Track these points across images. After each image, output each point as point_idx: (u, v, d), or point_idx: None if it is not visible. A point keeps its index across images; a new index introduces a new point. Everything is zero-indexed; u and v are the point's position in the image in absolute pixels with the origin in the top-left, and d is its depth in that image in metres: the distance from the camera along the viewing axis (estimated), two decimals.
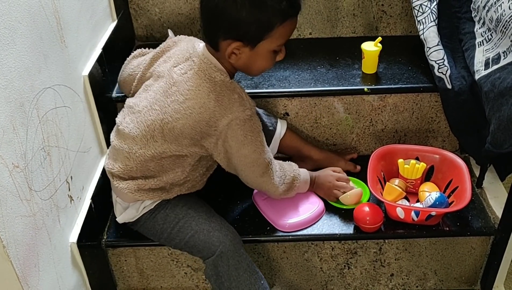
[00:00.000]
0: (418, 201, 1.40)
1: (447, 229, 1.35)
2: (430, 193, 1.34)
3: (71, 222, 1.24)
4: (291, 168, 1.35)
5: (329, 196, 1.40)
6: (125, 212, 1.31)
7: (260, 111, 1.45)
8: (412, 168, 1.39)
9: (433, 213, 1.29)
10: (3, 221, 0.92)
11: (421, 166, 1.39)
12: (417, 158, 1.42)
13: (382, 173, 1.42)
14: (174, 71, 1.21)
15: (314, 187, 1.41)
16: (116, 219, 1.33)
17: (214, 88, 1.17)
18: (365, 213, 1.32)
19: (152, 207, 1.29)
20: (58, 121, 1.15)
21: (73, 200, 1.23)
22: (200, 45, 1.24)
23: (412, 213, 1.30)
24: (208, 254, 1.24)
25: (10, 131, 0.95)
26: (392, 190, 1.36)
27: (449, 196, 1.36)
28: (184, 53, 1.24)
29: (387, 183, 1.39)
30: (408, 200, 1.40)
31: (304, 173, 1.38)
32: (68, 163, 1.20)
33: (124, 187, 1.25)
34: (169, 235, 1.28)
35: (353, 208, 1.38)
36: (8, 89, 0.94)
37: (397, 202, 1.35)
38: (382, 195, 1.36)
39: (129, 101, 1.27)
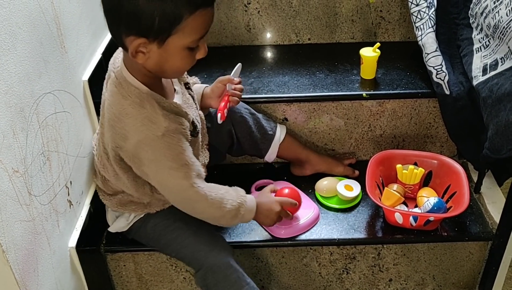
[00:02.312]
0: (416, 206, 1.40)
1: (445, 234, 1.35)
2: (428, 198, 1.34)
3: (70, 227, 1.24)
4: (237, 193, 1.22)
5: (266, 223, 1.31)
6: (116, 221, 1.31)
7: (260, 115, 1.45)
8: (410, 173, 1.39)
9: (431, 219, 1.30)
10: (2, 225, 0.93)
11: (420, 172, 1.39)
12: (415, 164, 1.43)
13: (380, 178, 1.42)
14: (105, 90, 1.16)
15: (256, 214, 1.25)
16: (109, 229, 1.34)
17: (123, 104, 1.07)
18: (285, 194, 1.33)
19: (142, 216, 1.28)
20: (57, 126, 1.15)
21: (72, 205, 1.24)
22: (117, 58, 1.15)
23: (411, 218, 1.31)
24: (196, 267, 1.23)
25: (10, 136, 0.95)
26: (391, 195, 1.36)
27: (447, 201, 1.36)
28: (110, 67, 1.15)
29: (385, 188, 1.39)
30: (407, 205, 1.40)
31: (250, 201, 1.23)
32: (67, 168, 1.20)
33: (107, 203, 1.28)
34: (161, 245, 1.29)
35: (348, 207, 1.41)
36: (8, 94, 0.95)
37: (395, 207, 1.35)
38: (380, 200, 1.36)
39: None
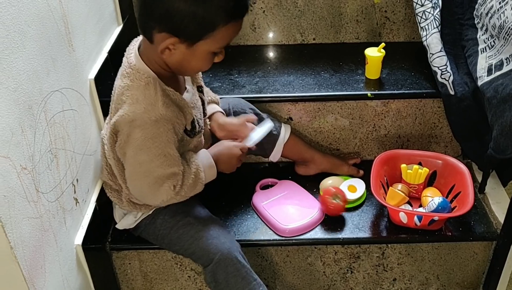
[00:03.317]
0: (420, 206, 1.40)
1: (450, 234, 1.35)
2: (433, 198, 1.34)
3: (77, 224, 1.24)
4: (192, 165, 1.21)
5: (229, 171, 1.31)
6: (124, 218, 1.32)
7: (265, 115, 1.46)
8: (415, 173, 1.39)
9: (436, 218, 1.30)
10: (10, 222, 0.93)
11: (424, 171, 1.39)
12: (420, 163, 1.43)
13: (385, 178, 1.43)
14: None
15: (218, 166, 1.27)
16: (116, 225, 1.35)
17: (129, 85, 1.11)
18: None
19: (150, 212, 1.29)
20: (65, 124, 1.16)
21: (78, 202, 1.24)
22: (133, 45, 1.19)
23: (415, 217, 1.31)
24: (206, 261, 1.24)
25: (19, 133, 0.96)
26: (395, 195, 1.36)
27: (451, 201, 1.37)
28: (125, 54, 1.19)
29: (390, 188, 1.40)
30: (411, 205, 1.41)
31: (204, 159, 1.24)
32: (74, 165, 1.21)
33: (116, 200, 1.29)
34: (169, 242, 1.29)
35: (353, 207, 1.42)
36: (17, 92, 0.95)
37: (400, 207, 1.36)
38: (385, 199, 1.37)
39: None
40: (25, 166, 0.98)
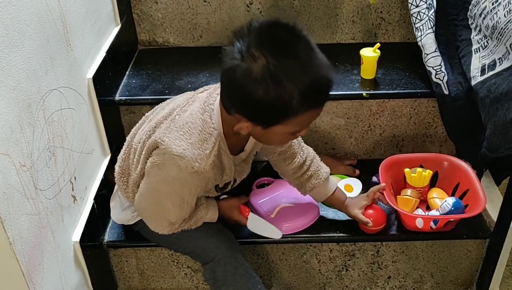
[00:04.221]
0: (428, 208, 1.41)
1: (444, 232, 1.37)
2: (445, 199, 1.34)
3: (74, 221, 1.26)
4: (199, 214, 1.24)
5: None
6: (121, 213, 1.33)
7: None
8: (419, 176, 1.40)
9: (452, 219, 1.31)
10: (9, 218, 0.94)
11: (428, 174, 1.40)
12: (421, 166, 1.44)
13: (391, 184, 1.42)
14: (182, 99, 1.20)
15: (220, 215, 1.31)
16: (112, 218, 1.36)
17: (197, 118, 1.10)
18: (369, 215, 1.33)
19: None
20: (63, 122, 1.17)
21: (76, 200, 1.25)
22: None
23: (431, 222, 1.32)
24: (205, 259, 1.25)
25: (18, 131, 0.97)
26: (407, 202, 1.36)
27: (460, 199, 1.37)
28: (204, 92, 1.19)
29: (399, 196, 1.39)
30: (417, 209, 1.41)
31: (211, 212, 1.27)
32: (72, 163, 1.22)
33: (123, 192, 1.28)
34: (168, 240, 1.30)
35: None
36: (16, 90, 0.97)
37: (414, 212, 1.36)
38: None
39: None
40: (24, 163, 0.99)
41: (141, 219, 1.30)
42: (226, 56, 0.98)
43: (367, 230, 1.35)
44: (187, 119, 1.11)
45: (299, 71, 0.95)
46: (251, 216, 1.32)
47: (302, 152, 1.32)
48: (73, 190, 1.23)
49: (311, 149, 1.35)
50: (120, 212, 1.33)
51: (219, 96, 1.10)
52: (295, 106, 0.96)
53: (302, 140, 1.34)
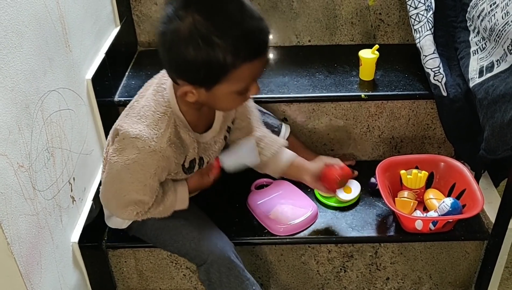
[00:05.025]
0: (425, 209, 1.41)
1: (442, 233, 1.37)
2: (443, 200, 1.34)
3: (73, 222, 1.26)
4: (168, 198, 1.23)
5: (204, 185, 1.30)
6: (114, 218, 1.33)
7: (266, 112, 1.47)
8: (415, 177, 1.40)
9: (451, 220, 1.31)
10: (7, 218, 0.95)
11: (424, 175, 1.40)
12: (416, 167, 1.44)
13: (388, 186, 1.42)
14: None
15: (191, 189, 1.27)
16: (107, 223, 1.35)
17: (150, 100, 1.12)
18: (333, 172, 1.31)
19: None
20: (61, 123, 1.18)
21: (75, 200, 1.26)
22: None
23: (430, 223, 1.32)
24: (200, 261, 1.25)
25: (16, 131, 0.98)
26: (405, 204, 1.37)
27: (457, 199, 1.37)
28: (159, 75, 1.20)
29: (397, 198, 1.39)
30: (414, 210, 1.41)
31: (181, 192, 1.25)
32: (70, 164, 1.23)
33: None
34: (162, 242, 1.31)
35: (348, 206, 1.44)
36: (14, 91, 0.97)
37: (412, 213, 1.37)
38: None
39: None
40: (22, 164, 0.99)
41: (133, 223, 1.31)
42: (157, 24, 1.00)
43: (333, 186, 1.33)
44: (143, 104, 1.13)
45: (227, 25, 0.95)
46: (222, 158, 1.27)
47: (260, 129, 1.33)
48: (72, 191, 1.24)
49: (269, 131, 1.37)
50: (113, 217, 1.33)
51: (168, 78, 1.12)
52: (230, 61, 0.96)
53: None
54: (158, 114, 1.11)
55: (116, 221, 1.33)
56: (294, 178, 1.37)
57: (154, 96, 1.13)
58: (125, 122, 1.12)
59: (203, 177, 1.28)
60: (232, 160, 1.27)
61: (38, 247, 1.07)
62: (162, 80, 1.16)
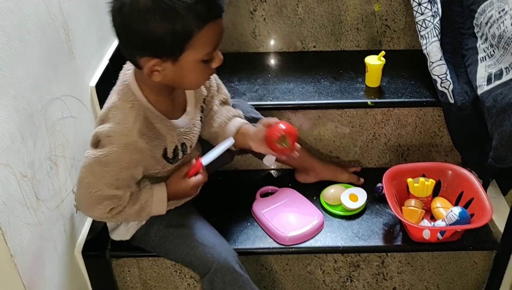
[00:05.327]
0: (432, 217, 1.39)
1: (450, 243, 1.35)
2: (451, 209, 1.32)
3: (77, 232, 1.25)
4: (142, 196, 1.18)
5: (187, 197, 1.27)
6: (117, 230, 1.31)
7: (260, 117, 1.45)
8: (422, 186, 1.38)
9: (459, 230, 1.29)
10: (10, 229, 0.93)
11: (431, 183, 1.38)
12: (423, 175, 1.42)
13: (395, 195, 1.40)
14: None
15: (170, 197, 1.22)
16: (111, 236, 1.33)
17: (119, 94, 1.11)
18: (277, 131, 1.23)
19: (143, 223, 1.27)
20: (65, 131, 1.16)
21: (79, 210, 1.24)
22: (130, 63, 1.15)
23: (438, 233, 1.30)
24: (203, 270, 1.23)
25: (19, 140, 0.96)
26: (412, 213, 1.34)
27: (465, 208, 1.34)
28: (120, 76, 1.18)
29: (404, 207, 1.37)
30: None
31: (158, 193, 1.20)
32: (74, 173, 1.21)
33: None
34: (166, 252, 1.28)
35: (354, 215, 1.42)
36: (18, 99, 0.95)
37: (420, 223, 1.35)
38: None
39: None
40: (25, 173, 0.98)
41: (137, 233, 1.28)
42: (110, 5, 1.00)
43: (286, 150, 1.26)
44: (109, 106, 1.11)
45: None
46: (203, 159, 1.22)
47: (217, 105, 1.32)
48: (75, 200, 1.22)
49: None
50: (116, 228, 1.30)
51: (129, 71, 1.11)
52: (194, 23, 0.97)
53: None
54: (125, 109, 1.09)
55: (120, 233, 1.30)
56: (242, 146, 1.30)
57: (118, 95, 1.11)
58: (97, 128, 1.11)
59: (182, 179, 1.22)
60: (211, 156, 1.23)
61: (41, 258, 1.05)
62: (124, 77, 1.13)
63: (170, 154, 1.18)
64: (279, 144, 1.23)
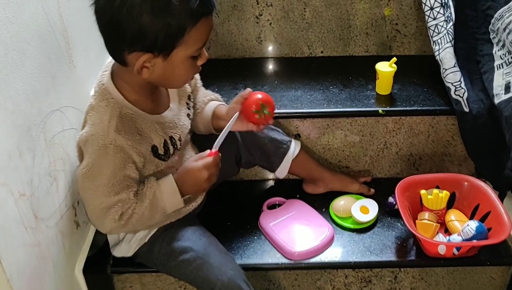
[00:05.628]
0: (447, 231, 1.34)
1: (466, 258, 1.30)
2: (467, 223, 1.27)
3: (77, 248, 1.19)
4: (149, 190, 1.13)
5: (200, 192, 1.23)
6: (118, 246, 1.26)
7: (273, 127, 1.40)
8: (435, 198, 1.33)
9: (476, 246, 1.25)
10: (6, 251, 0.88)
11: (445, 195, 1.33)
12: (437, 187, 1.37)
13: (408, 207, 1.35)
14: None
15: (184, 191, 1.16)
16: (112, 252, 1.28)
17: (95, 95, 1.08)
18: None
19: (146, 240, 1.23)
20: (65, 144, 1.11)
21: (79, 226, 1.19)
22: (106, 65, 1.13)
23: (454, 248, 1.25)
24: (208, 288, 1.18)
25: (17, 157, 0.91)
26: (427, 227, 1.29)
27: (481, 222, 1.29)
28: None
29: (418, 221, 1.32)
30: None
31: (166, 185, 1.14)
32: (75, 187, 1.16)
33: None
34: (169, 269, 1.24)
35: (365, 228, 1.37)
36: (15, 114, 0.90)
37: (435, 237, 1.29)
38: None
39: None
40: (23, 192, 0.93)
41: (140, 249, 1.23)
42: (99, 4, 0.99)
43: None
44: (87, 110, 1.09)
45: None
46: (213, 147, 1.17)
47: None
48: (76, 215, 1.17)
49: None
50: (118, 244, 1.26)
51: (106, 72, 1.09)
52: (187, 19, 0.97)
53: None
54: (100, 109, 1.06)
55: (122, 250, 1.25)
56: (221, 128, 1.22)
57: (94, 99, 1.08)
58: (78, 136, 1.08)
59: (189, 164, 1.15)
60: (220, 141, 1.17)
61: (40, 278, 1.00)
62: (100, 79, 1.10)
63: (161, 150, 1.14)
64: (258, 114, 1.20)
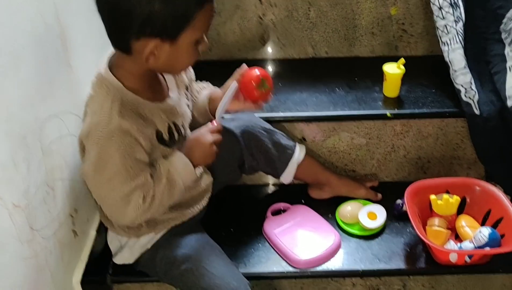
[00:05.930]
0: (457, 237, 1.30)
1: (477, 265, 1.26)
2: (479, 229, 1.23)
3: (75, 258, 1.15)
4: (162, 167, 1.11)
5: (209, 161, 1.18)
6: (120, 253, 1.23)
7: (278, 132, 1.37)
8: (445, 203, 1.29)
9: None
10: (2, 270, 0.84)
11: (455, 200, 1.29)
12: (447, 192, 1.33)
13: (417, 213, 1.31)
14: None
15: (195, 161, 1.14)
16: (113, 260, 1.25)
17: (93, 85, 1.06)
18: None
19: (149, 247, 1.21)
20: (62, 151, 1.07)
21: (77, 234, 1.15)
22: (104, 56, 1.11)
23: (466, 256, 1.21)
24: None
25: (11, 168, 0.86)
26: (438, 234, 1.25)
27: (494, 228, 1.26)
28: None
29: (428, 227, 1.28)
30: None
31: (176, 160, 1.12)
32: (73, 195, 1.12)
33: (108, 224, 1.20)
34: (171, 279, 1.20)
35: (373, 234, 1.33)
36: (10, 122, 0.86)
37: (446, 244, 1.26)
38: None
39: None
40: (18, 203, 0.88)
41: (141, 257, 1.21)
42: None
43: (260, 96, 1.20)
44: (86, 101, 1.07)
45: None
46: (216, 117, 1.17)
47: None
48: (74, 224, 1.13)
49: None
50: (120, 251, 1.23)
51: (102, 64, 1.07)
52: (192, 6, 0.98)
53: None
54: (100, 96, 1.04)
55: (124, 256, 1.22)
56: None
57: (93, 90, 1.06)
58: (81, 129, 1.05)
59: (194, 135, 1.16)
60: (221, 111, 1.18)
61: None
62: (97, 71, 1.08)
63: (166, 136, 1.11)
64: (259, 89, 1.19)
